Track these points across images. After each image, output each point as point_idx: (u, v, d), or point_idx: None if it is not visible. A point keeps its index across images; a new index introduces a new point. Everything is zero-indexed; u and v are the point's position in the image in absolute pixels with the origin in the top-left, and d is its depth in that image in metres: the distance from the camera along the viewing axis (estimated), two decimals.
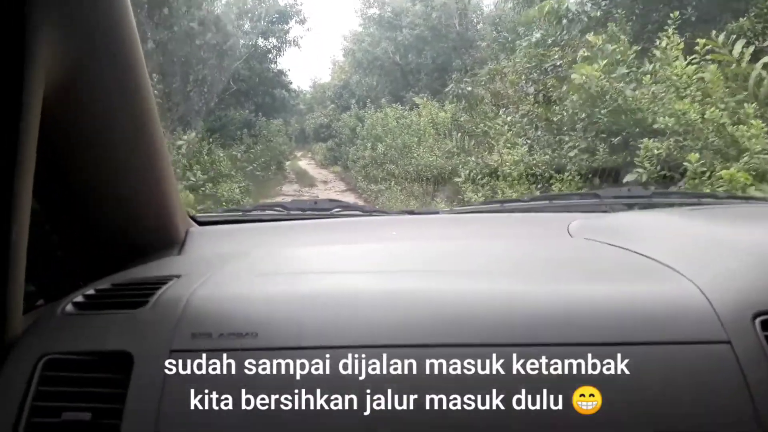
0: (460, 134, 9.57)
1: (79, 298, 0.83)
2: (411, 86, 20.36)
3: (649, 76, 5.39)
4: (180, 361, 0.67)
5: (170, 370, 0.67)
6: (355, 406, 0.64)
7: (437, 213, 1.72)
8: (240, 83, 17.72)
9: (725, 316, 0.70)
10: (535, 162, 6.29)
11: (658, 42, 5.57)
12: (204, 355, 0.67)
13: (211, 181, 9.44)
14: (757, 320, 0.69)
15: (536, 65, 8.55)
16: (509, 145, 6.98)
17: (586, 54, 5.56)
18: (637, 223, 1.22)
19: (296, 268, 1.02)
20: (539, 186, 6.11)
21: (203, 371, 0.66)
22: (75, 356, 0.70)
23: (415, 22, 19.38)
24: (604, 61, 5.50)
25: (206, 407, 0.64)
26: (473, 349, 0.67)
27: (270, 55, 18.97)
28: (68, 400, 0.66)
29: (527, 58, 8.61)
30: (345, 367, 0.66)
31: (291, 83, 21.03)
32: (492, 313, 0.72)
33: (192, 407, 0.64)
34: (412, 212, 1.74)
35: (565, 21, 7.85)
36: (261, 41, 18.64)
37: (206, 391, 0.65)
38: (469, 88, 9.05)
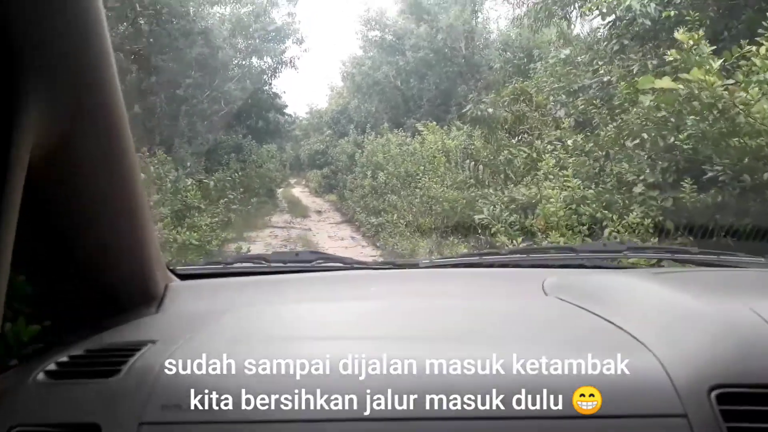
0: (474, 163, 8.32)
1: (52, 366, 0.83)
2: (412, 112, 19.30)
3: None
4: None
5: None
6: None
7: (417, 266, 1.71)
8: (231, 105, 16.54)
9: (682, 389, 0.72)
10: (581, 197, 4.94)
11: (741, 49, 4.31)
12: (173, 428, 0.69)
13: (175, 216, 8.00)
14: (713, 393, 0.71)
15: (565, 85, 7.39)
16: (551, 176, 5.65)
17: (673, 56, 4.26)
18: (608, 284, 1.24)
19: (275, 333, 1.01)
20: (590, 232, 4.63)
21: None
22: (45, 428, 0.71)
23: (419, 45, 18.35)
24: (717, 64, 4.14)
25: None
26: (454, 423, 0.69)
27: (264, 76, 17.85)
28: None
29: (554, 78, 7.47)
30: None
31: (286, 107, 19.90)
32: (469, 384, 0.72)
33: None
34: (393, 264, 1.74)
35: (619, 24, 6.63)
36: (255, 60, 17.56)
37: None
38: (490, 110, 7.86)
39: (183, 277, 1.38)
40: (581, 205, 4.95)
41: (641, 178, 4.85)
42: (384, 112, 20.59)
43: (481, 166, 8.27)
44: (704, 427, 0.68)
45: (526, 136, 7.78)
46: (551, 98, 7.58)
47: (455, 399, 0.69)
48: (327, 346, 0.86)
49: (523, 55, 14.44)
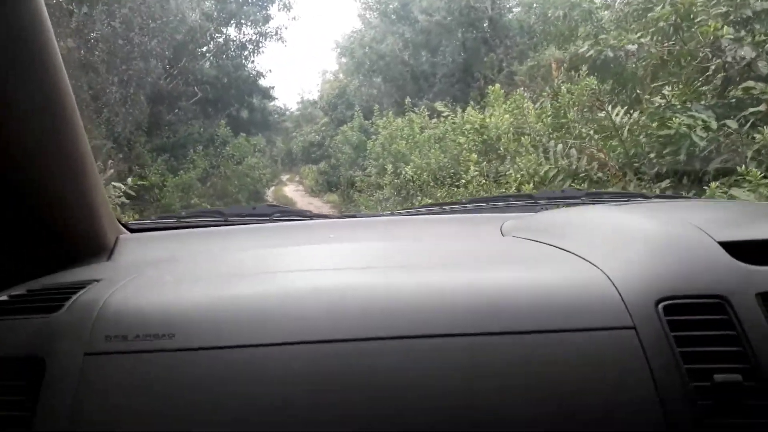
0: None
1: None
2: (423, 92, 16.08)
3: None
4: (94, 364, 0.67)
5: (84, 373, 0.67)
6: (276, 403, 0.64)
7: (378, 216, 1.69)
8: (204, 87, 13.20)
9: (631, 302, 0.73)
10: None
11: None
12: (118, 357, 0.67)
13: None
14: (660, 305, 0.72)
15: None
16: None
17: None
18: (562, 219, 1.22)
19: (223, 271, 0.97)
20: None
21: (117, 373, 0.66)
22: None
23: (432, 7, 15.01)
24: None
25: (120, 408, 0.64)
26: (398, 342, 0.69)
27: (245, 52, 14.50)
28: None
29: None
30: (265, 364, 0.67)
31: (273, 88, 16.52)
32: (416, 306, 0.74)
33: (106, 409, 0.65)
34: (354, 215, 1.74)
35: None
36: (233, 32, 14.21)
37: (121, 393, 0.65)
38: (632, 47, 4.68)
39: (135, 230, 1.34)
40: None
41: None
42: (390, 94, 17.32)
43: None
44: (652, 338, 0.69)
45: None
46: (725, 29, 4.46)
47: (421, 318, 0.71)
48: (272, 279, 0.86)
49: (564, 13, 11.24)
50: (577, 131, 5.87)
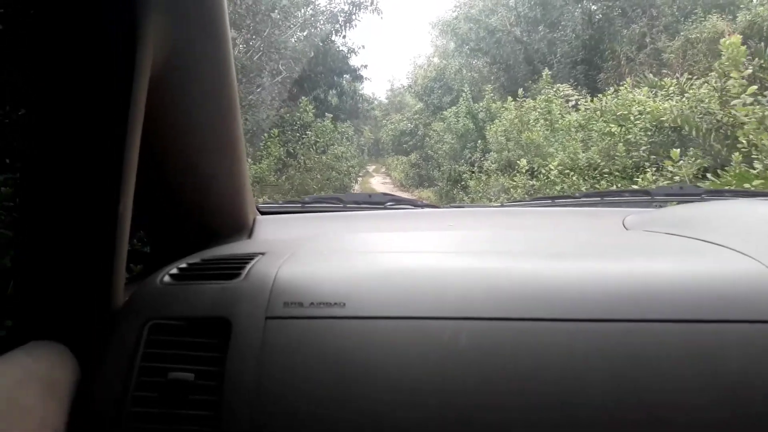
0: None
1: (174, 271, 0.86)
2: (537, 75, 13.68)
3: None
4: (275, 327, 0.70)
5: (265, 334, 0.70)
6: (441, 374, 0.65)
7: (488, 207, 1.69)
8: (288, 62, 11.47)
9: None
10: None
11: None
12: (296, 322, 0.70)
13: None
14: None
15: None
16: None
17: None
18: (694, 213, 1.18)
19: (369, 248, 1.02)
20: None
21: (295, 337, 0.69)
22: (177, 322, 0.74)
23: None
24: None
25: (301, 371, 0.67)
26: (559, 324, 0.68)
27: (336, 24, 12.70)
28: (172, 362, 0.70)
29: None
30: (429, 336, 0.68)
31: (365, 66, 14.55)
32: (565, 290, 0.72)
33: (287, 369, 0.67)
34: (462, 206, 1.77)
35: None
36: (323, 0, 12.43)
37: (300, 355, 0.68)
38: None
39: (264, 213, 1.40)
40: None
41: None
42: (496, 77, 15.04)
43: None
44: None
45: None
46: None
47: (551, 304, 0.69)
48: (419, 258, 0.90)
49: None
50: None
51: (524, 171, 6.72)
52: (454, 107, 12.42)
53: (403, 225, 1.36)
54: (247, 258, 0.87)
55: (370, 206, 1.54)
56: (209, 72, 0.89)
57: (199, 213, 1.07)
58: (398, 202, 1.59)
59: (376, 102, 22.55)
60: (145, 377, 0.68)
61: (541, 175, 6.32)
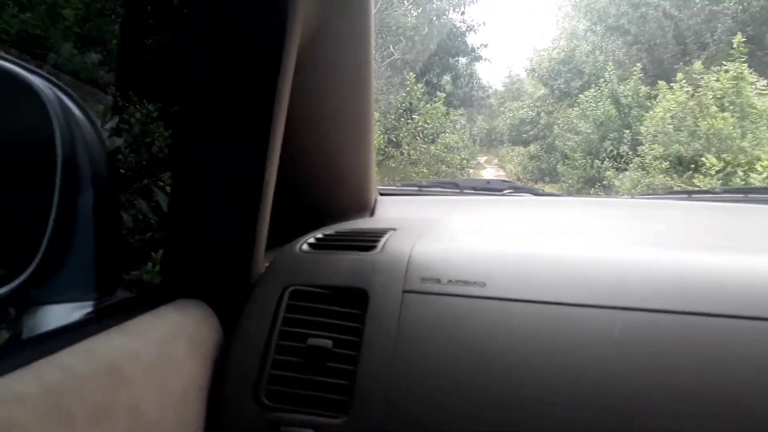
0: None
1: (312, 240, 0.87)
2: (688, 56, 11.57)
3: None
4: (412, 301, 0.70)
5: (404, 308, 0.69)
6: (594, 368, 0.62)
7: (618, 198, 1.59)
8: (398, 39, 10.31)
9: None
10: None
11: None
12: (433, 298, 0.69)
13: None
14: None
15: None
16: None
17: None
18: None
19: (508, 229, 1.01)
20: None
21: (432, 312, 0.68)
22: (316, 289, 0.75)
23: None
24: None
25: (436, 347, 0.65)
26: (721, 320, 0.64)
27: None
28: (310, 328, 0.71)
29: None
30: (579, 325, 0.65)
31: (486, 46, 13.06)
32: (731, 285, 0.67)
33: (423, 345, 0.66)
34: (586, 198, 1.70)
35: None
36: None
37: (437, 331, 0.67)
38: None
39: (383, 194, 1.41)
40: None
41: None
42: (638, 58, 13.01)
43: None
44: None
45: None
46: None
47: (720, 298, 0.64)
48: (569, 242, 0.86)
49: None
50: None
51: (714, 172, 4.89)
52: (592, 90, 10.66)
53: (523, 213, 1.33)
54: (380, 232, 0.88)
55: (488, 192, 1.54)
56: (351, 50, 0.90)
57: (330, 188, 1.09)
58: (517, 189, 1.59)
59: (491, 90, 21.06)
60: (284, 341, 0.69)
61: (738, 178, 4.62)
